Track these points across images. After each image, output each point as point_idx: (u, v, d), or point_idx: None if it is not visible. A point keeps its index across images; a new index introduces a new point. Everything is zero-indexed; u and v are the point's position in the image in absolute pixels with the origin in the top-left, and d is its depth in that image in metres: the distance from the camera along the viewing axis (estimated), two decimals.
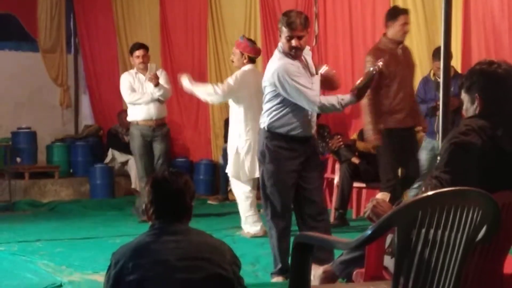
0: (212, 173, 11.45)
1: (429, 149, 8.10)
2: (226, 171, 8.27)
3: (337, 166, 9.18)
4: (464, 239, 3.13)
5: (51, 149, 11.96)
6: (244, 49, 8.14)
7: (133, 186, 10.94)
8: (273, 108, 5.84)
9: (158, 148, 9.23)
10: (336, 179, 9.05)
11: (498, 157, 3.68)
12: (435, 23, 8.91)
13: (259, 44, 10.94)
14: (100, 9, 12.72)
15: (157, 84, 8.94)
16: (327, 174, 9.77)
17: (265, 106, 5.92)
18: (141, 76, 9.21)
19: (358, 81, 6.02)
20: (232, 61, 8.36)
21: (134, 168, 10.36)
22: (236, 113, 8.03)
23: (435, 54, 8.12)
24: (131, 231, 7.73)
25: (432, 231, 3.06)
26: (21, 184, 10.99)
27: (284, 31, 5.79)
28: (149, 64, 9.11)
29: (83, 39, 13.11)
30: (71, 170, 11.86)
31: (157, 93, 8.97)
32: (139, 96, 9.12)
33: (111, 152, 9.88)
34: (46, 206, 10.69)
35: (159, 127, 9.22)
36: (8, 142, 11.18)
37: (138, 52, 9.24)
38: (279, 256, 5.92)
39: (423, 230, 3.04)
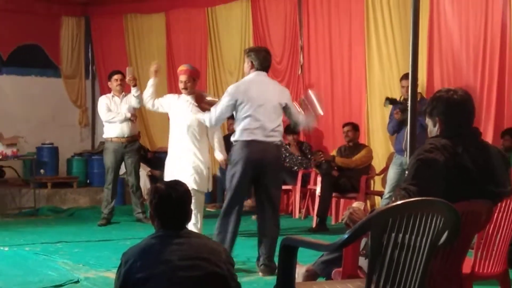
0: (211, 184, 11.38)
1: (398, 164, 8.09)
2: (206, 189, 7.77)
3: (318, 178, 9.16)
4: (428, 242, 3.12)
5: (70, 162, 11.92)
6: (197, 75, 7.78)
7: (145, 196, 10.89)
8: None
9: (129, 162, 9.35)
10: (318, 190, 9.04)
11: (459, 171, 3.68)
12: (404, 54, 8.96)
13: None
14: (115, 40, 12.73)
15: (135, 85, 8.92)
16: (310, 186, 9.76)
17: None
18: (116, 98, 9.31)
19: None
20: (186, 88, 7.56)
21: (144, 179, 10.36)
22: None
23: (403, 77, 8.17)
24: (139, 234, 7.69)
25: (401, 235, 3.06)
26: (44, 192, 10.94)
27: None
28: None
29: (99, 66, 13.10)
30: (88, 181, 11.82)
31: (135, 93, 8.89)
32: (114, 115, 9.18)
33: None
34: (66, 212, 10.65)
35: (130, 144, 9.30)
36: (33, 156, 11.16)
37: (116, 76, 9.35)
38: None
39: (393, 235, 3.04)
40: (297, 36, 10.55)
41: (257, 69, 6.19)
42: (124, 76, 9.39)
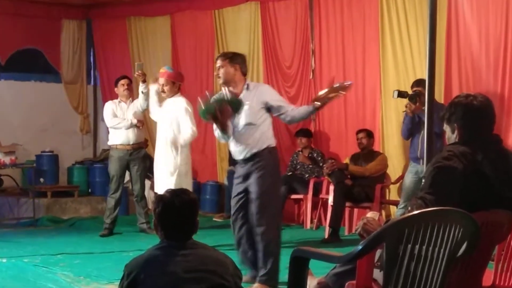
0: (218, 193, 11.41)
1: (413, 172, 8.06)
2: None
3: (331, 187, 9.15)
4: (446, 254, 3.12)
5: (71, 170, 11.94)
6: (176, 78, 8.11)
7: (149, 206, 10.87)
8: None
9: (134, 170, 9.37)
10: (330, 199, 9.02)
11: (478, 180, 3.67)
12: (421, 57, 8.96)
13: (261, 75, 10.98)
14: (117, 44, 12.76)
15: (144, 81, 8.92)
16: (322, 195, 9.74)
17: None
18: (123, 104, 9.37)
19: (322, 93, 5.98)
20: (164, 92, 8.10)
21: (148, 189, 10.38)
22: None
23: (414, 84, 8.14)
24: (143, 245, 7.66)
25: (417, 246, 3.05)
26: (44, 202, 10.96)
27: None
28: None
29: (101, 71, 13.14)
30: (89, 190, 11.84)
31: (143, 89, 8.89)
32: (120, 121, 9.22)
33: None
34: (67, 222, 10.66)
35: (136, 151, 9.34)
36: (32, 164, 11.20)
37: (123, 81, 9.42)
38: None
39: (409, 246, 3.03)
40: (308, 39, 10.55)
41: (245, 75, 6.22)
42: (131, 81, 9.49)
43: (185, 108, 7.96)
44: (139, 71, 8.89)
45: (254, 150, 6.03)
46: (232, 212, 6.23)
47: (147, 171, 9.88)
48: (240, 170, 6.17)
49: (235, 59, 6.19)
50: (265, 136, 6.05)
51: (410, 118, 7.99)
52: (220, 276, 3.32)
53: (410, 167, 8.28)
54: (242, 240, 6.17)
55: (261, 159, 6.02)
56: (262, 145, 6.03)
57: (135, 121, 9.23)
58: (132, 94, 9.48)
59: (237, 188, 6.18)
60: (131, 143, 9.29)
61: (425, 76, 4.96)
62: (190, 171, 8.25)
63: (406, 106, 8.00)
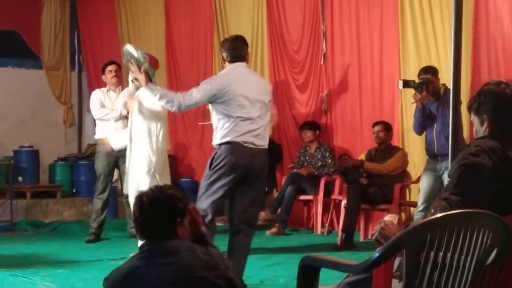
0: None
1: (432, 170, 8.05)
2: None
3: (344, 187, 9.16)
4: (473, 262, 3.12)
5: (53, 168, 11.96)
6: (152, 64, 7.96)
7: None
8: None
9: (124, 168, 9.27)
10: (344, 201, 9.02)
11: (509, 178, 3.67)
12: (445, 40, 8.95)
13: (266, 60, 10.97)
14: (105, 26, 12.77)
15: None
16: (334, 196, 9.75)
17: None
18: (112, 93, 9.41)
19: None
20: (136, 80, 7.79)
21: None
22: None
23: (421, 71, 8.13)
24: (133, 252, 7.67)
25: (441, 254, 3.05)
26: (23, 203, 10.98)
27: None
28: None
29: (87, 56, 13.15)
30: (73, 190, 11.85)
31: (133, 78, 8.81)
32: (108, 112, 9.22)
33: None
34: (48, 226, 10.68)
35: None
36: (10, 161, 11.20)
37: (111, 67, 9.45)
38: None
39: (432, 253, 3.03)
40: (319, 19, 10.54)
41: (226, 61, 6.34)
42: (120, 67, 9.47)
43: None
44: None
45: (214, 142, 6.31)
46: None
47: None
48: None
49: None
50: (217, 130, 6.26)
51: (420, 110, 8.00)
52: (211, 282, 3.33)
53: (427, 164, 8.27)
54: None
55: (214, 154, 6.28)
56: (216, 139, 6.28)
57: (125, 112, 9.19)
58: (121, 81, 9.48)
59: None
60: None
61: (450, 61, 4.95)
62: (168, 170, 8.12)
63: (413, 97, 8.02)
